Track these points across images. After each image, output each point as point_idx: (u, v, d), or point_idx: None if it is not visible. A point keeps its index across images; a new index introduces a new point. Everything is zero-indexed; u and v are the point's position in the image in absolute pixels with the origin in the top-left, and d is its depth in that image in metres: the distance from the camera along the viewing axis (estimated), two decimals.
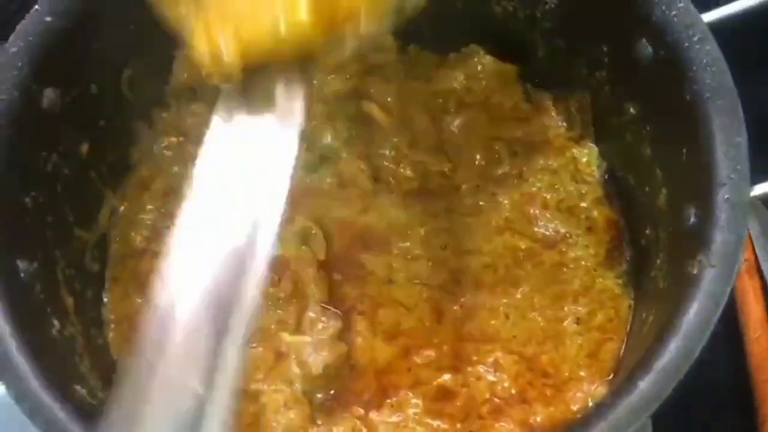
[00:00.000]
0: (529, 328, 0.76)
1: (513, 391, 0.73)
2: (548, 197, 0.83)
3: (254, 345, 0.74)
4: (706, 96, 0.63)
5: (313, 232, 0.79)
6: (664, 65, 0.67)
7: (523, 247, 0.80)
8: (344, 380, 0.74)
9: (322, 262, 0.78)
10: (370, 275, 0.79)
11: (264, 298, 0.75)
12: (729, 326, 0.88)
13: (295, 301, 0.77)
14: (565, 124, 0.86)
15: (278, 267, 0.77)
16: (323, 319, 0.75)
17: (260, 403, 0.72)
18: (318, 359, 0.72)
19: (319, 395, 0.73)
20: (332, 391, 0.74)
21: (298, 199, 0.81)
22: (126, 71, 0.79)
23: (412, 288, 0.78)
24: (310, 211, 0.81)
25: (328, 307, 0.76)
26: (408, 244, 0.80)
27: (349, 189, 0.83)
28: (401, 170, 0.84)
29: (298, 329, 0.75)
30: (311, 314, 0.75)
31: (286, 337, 0.74)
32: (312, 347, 0.73)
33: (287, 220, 0.78)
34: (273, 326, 0.75)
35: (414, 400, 0.73)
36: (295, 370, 0.73)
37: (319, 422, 0.72)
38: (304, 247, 0.78)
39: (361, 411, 0.73)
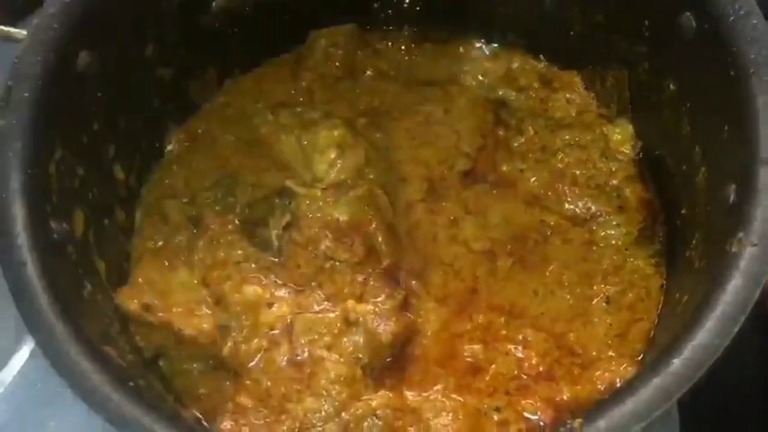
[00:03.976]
0: (557, 306, 0.76)
1: (540, 369, 0.73)
2: (578, 173, 0.82)
3: (318, 310, 0.75)
4: (751, 71, 0.61)
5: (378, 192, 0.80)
6: (708, 39, 0.65)
7: (551, 223, 0.80)
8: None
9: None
10: (415, 229, 0.80)
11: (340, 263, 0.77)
12: (760, 316, 0.86)
13: (367, 267, 0.77)
14: (595, 100, 0.86)
15: (349, 231, 0.78)
16: (386, 290, 0.75)
17: (321, 366, 0.72)
18: (387, 329, 0.73)
19: (378, 362, 0.73)
20: (389, 359, 0.74)
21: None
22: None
23: (455, 248, 0.79)
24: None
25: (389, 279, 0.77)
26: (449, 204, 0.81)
27: None
28: None
29: (362, 298, 0.75)
30: (374, 283, 0.76)
31: (354, 305, 0.74)
32: (379, 317, 0.73)
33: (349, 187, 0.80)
34: (346, 289, 0.75)
35: (445, 375, 0.73)
36: (363, 338, 0.73)
37: (363, 397, 0.72)
38: (367, 207, 0.79)
39: (394, 382, 0.73)
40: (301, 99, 0.88)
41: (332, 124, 0.84)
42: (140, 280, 0.74)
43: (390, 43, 0.92)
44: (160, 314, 0.71)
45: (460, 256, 0.79)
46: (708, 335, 0.54)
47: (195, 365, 0.74)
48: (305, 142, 0.83)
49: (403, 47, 0.92)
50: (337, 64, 0.89)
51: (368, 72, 0.90)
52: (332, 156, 0.82)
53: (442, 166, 0.84)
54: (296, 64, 0.90)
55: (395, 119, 0.87)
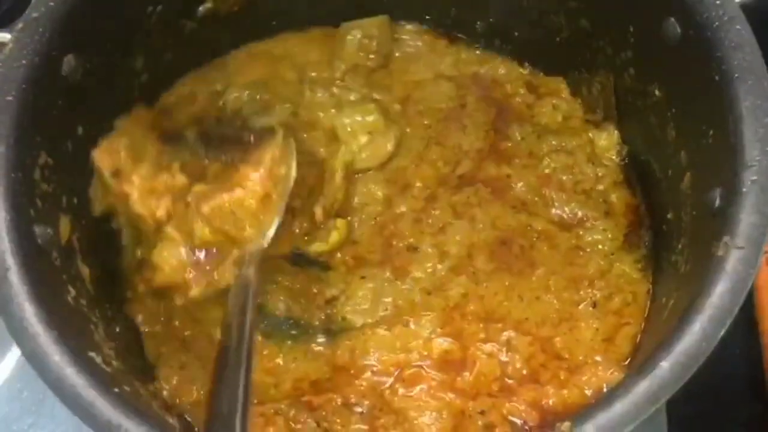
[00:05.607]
0: (543, 310, 0.76)
1: (524, 372, 0.73)
2: (564, 178, 0.82)
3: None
4: (735, 76, 0.62)
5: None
6: (692, 45, 0.66)
7: (538, 228, 0.80)
8: None
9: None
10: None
11: None
12: (746, 319, 0.87)
13: None
14: (581, 106, 0.86)
15: None
16: None
17: None
18: None
19: None
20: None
21: None
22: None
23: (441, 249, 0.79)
24: None
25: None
26: (438, 212, 0.81)
27: None
28: None
29: None
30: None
31: None
32: None
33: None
34: None
35: (427, 373, 0.73)
36: None
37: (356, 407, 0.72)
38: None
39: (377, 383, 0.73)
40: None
41: (366, 109, 0.84)
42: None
43: (412, 39, 0.92)
44: (124, 186, 0.71)
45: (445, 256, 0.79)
46: (695, 339, 0.54)
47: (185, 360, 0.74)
48: (338, 123, 0.83)
49: (421, 42, 0.92)
50: (371, 56, 0.88)
51: (399, 64, 0.90)
52: (363, 141, 0.83)
53: (456, 152, 0.84)
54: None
55: (420, 113, 0.87)
